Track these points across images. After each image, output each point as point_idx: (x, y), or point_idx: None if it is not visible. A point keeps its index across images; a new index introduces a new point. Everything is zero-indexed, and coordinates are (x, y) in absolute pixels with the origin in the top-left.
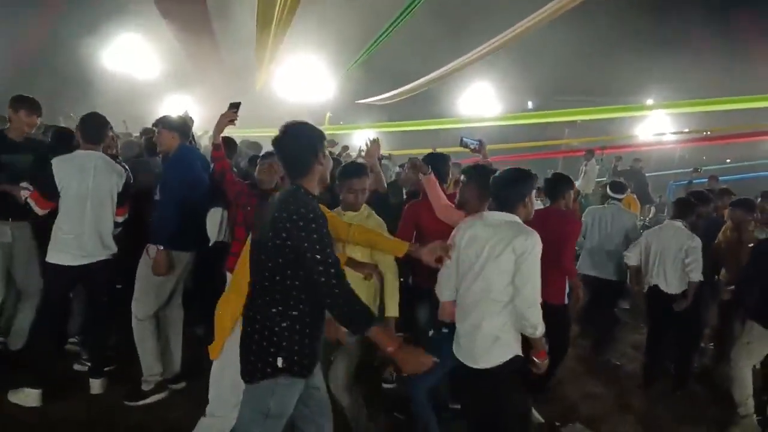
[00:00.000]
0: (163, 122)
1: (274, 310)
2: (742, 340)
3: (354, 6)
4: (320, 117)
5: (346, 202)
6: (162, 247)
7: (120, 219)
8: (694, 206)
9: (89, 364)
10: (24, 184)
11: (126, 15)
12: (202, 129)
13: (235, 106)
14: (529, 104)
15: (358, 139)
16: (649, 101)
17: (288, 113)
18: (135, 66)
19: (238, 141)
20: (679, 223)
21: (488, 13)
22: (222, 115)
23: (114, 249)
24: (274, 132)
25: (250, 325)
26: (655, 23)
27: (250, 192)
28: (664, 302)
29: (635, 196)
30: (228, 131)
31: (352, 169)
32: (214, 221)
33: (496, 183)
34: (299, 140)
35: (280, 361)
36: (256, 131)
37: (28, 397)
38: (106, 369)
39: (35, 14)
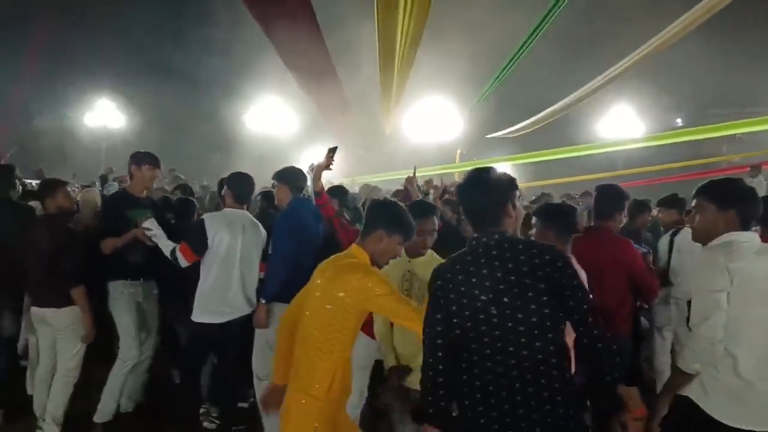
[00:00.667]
0: (277, 176)
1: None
2: None
3: (476, 39)
4: (451, 155)
5: (414, 245)
6: (264, 302)
7: (263, 275)
8: None
9: (220, 421)
10: (147, 224)
11: (262, 77)
12: (343, 175)
13: (332, 151)
14: (678, 121)
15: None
16: None
17: (418, 154)
18: (275, 124)
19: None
20: None
21: (614, 33)
22: (319, 163)
23: (255, 304)
24: (405, 174)
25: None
26: None
27: None
28: None
29: None
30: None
31: (421, 209)
32: None
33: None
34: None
35: None
36: (390, 175)
37: None
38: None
39: (177, 85)
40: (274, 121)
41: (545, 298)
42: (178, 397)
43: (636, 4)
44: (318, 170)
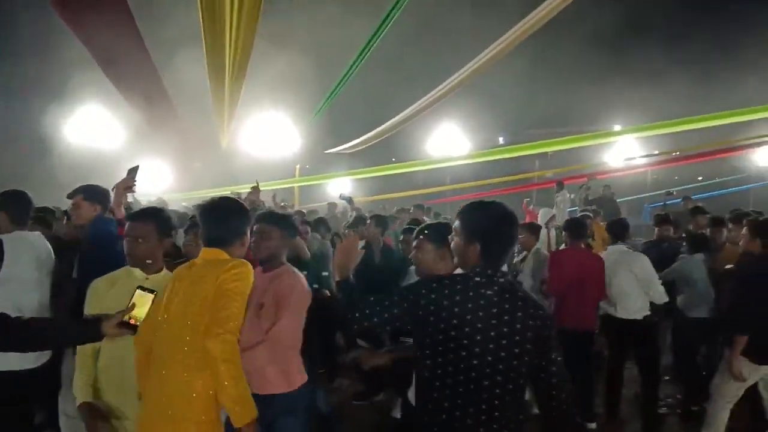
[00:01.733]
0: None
1: None
2: (724, 376)
3: (309, 54)
4: (291, 170)
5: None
6: None
7: None
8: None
9: None
10: None
11: (83, 86)
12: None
13: (133, 171)
14: (500, 140)
15: (333, 189)
16: (617, 127)
17: (257, 169)
18: (98, 136)
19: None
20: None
21: (444, 53)
22: (118, 184)
23: None
24: (246, 189)
25: None
26: (614, 51)
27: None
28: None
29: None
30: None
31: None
32: None
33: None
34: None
35: None
36: (228, 188)
37: None
38: None
39: None
40: (97, 132)
41: (529, 346)
42: None
43: (462, 26)
44: (118, 193)
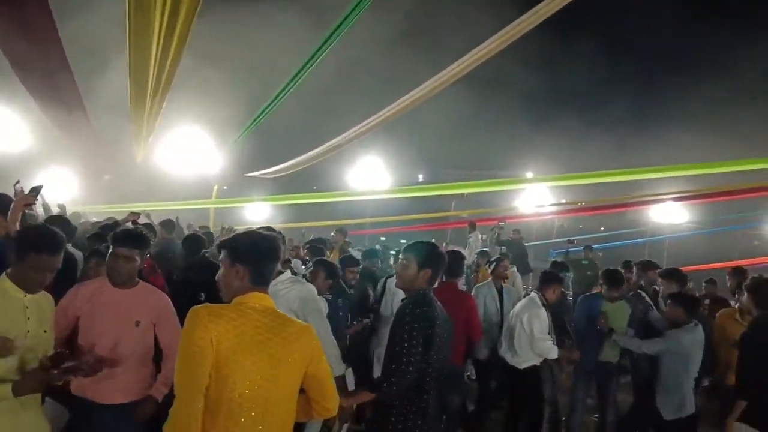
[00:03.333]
0: None
1: None
2: None
3: (237, 75)
4: (208, 190)
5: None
6: None
7: None
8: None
9: None
10: None
11: None
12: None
13: (35, 190)
14: (420, 177)
15: (250, 213)
16: (529, 174)
17: (174, 187)
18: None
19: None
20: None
21: (373, 88)
22: (17, 200)
23: None
24: (159, 206)
25: None
26: (533, 106)
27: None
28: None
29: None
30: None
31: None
32: None
33: None
34: None
35: None
36: (141, 206)
37: None
38: None
39: None
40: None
41: None
42: None
43: (394, 63)
44: (15, 209)
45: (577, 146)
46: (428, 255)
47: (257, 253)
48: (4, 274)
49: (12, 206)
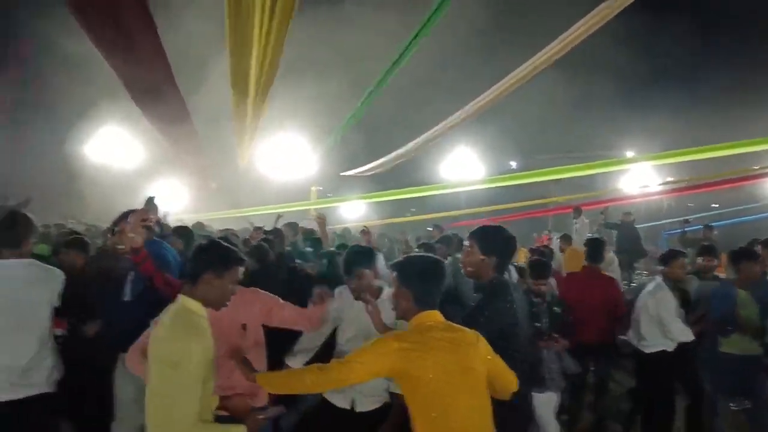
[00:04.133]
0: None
1: None
2: None
3: (331, 78)
4: (305, 192)
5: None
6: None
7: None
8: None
9: None
10: None
11: (106, 107)
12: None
13: (149, 203)
14: (513, 164)
15: (346, 211)
16: (630, 154)
17: (274, 190)
18: (120, 157)
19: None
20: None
21: (464, 79)
22: (133, 216)
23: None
24: (262, 211)
25: None
26: (629, 80)
27: None
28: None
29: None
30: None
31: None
32: None
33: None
34: None
35: None
36: (245, 211)
37: None
38: None
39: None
40: (117, 152)
41: None
42: None
43: (484, 52)
44: (136, 227)
45: (679, 122)
46: (491, 240)
47: (420, 277)
48: (182, 295)
49: (130, 221)
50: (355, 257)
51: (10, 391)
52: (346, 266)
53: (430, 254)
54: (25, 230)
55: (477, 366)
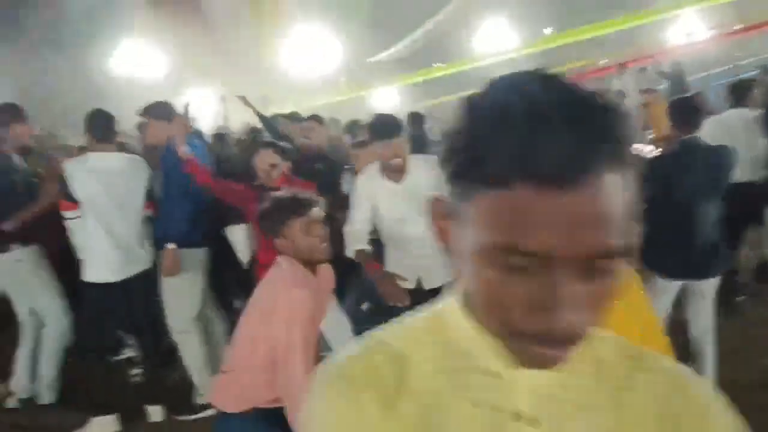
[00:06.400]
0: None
1: None
2: None
3: None
4: (333, 85)
5: None
6: (173, 246)
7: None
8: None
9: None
10: None
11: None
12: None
13: (185, 108)
14: (546, 30)
15: (376, 100)
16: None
17: (300, 87)
18: (143, 68)
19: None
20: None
21: None
22: (178, 120)
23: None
24: (287, 109)
25: None
26: None
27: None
28: None
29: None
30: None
31: None
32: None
33: None
34: None
35: None
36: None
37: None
38: None
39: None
40: (140, 64)
41: None
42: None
43: None
44: (180, 135)
45: None
46: None
47: None
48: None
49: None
50: None
51: (126, 269)
52: None
53: None
54: (114, 125)
55: None
